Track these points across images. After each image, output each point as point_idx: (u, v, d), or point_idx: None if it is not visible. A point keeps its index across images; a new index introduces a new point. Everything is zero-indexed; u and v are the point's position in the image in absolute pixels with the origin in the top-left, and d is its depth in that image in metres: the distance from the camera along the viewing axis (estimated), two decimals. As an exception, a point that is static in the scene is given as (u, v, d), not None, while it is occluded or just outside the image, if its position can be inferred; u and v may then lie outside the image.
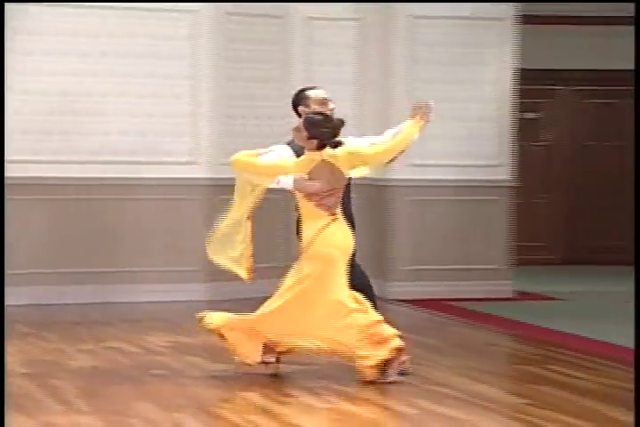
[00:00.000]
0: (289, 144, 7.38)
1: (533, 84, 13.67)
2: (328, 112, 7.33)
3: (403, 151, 7.28)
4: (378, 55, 11.45)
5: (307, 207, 7.16)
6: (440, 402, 6.76)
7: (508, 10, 11.40)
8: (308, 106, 7.44)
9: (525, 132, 13.49)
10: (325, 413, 6.55)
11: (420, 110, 7.18)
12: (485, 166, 11.44)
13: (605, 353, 8.40)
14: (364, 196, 11.31)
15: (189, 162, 11.00)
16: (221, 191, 10.82)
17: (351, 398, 6.81)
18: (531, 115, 14.20)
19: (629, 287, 12.59)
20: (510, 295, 11.36)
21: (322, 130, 7.06)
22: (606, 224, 14.74)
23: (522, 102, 12.63)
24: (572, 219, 14.68)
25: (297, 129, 7.16)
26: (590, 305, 11.31)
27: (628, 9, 14.19)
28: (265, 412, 6.43)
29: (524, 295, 11.49)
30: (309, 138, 7.07)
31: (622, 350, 8.54)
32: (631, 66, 14.45)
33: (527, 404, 6.79)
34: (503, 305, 10.90)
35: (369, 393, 6.96)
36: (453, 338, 9.32)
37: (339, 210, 7.20)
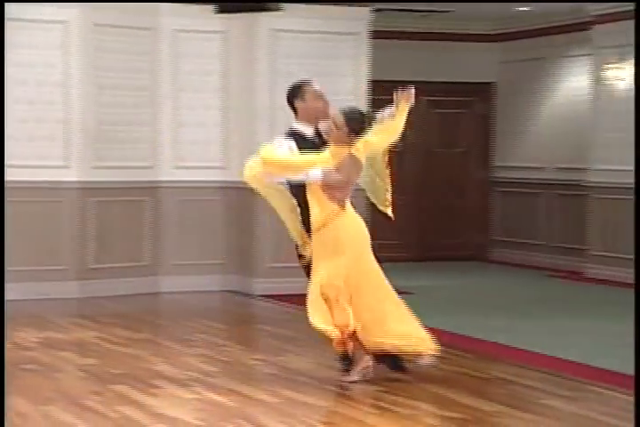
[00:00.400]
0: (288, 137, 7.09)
1: (386, 95, 13.72)
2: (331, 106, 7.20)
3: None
4: (242, 66, 11.37)
5: (317, 194, 6.86)
6: (299, 390, 6.74)
7: (362, 25, 11.40)
8: (304, 100, 7.18)
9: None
10: (192, 403, 6.47)
11: (404, 95, 7.05)
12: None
13: (451, 342, 8.46)
14: (228, 197, 11.35)
15: (62, 166, 10.78)
16: (91, 194, 10.74)
17: (216, 389, 6.77)
18: (385, 122, 14.21)
19: (475, 280, 12.84)
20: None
21: (362, 125, 6.87)
22: (453, 224, 14.91)
23: (375, 111, 12.69)
24: (423, 219, 14.79)
25: (336, 126, 6.80)
26: (439, 298, 11.39)
27: (474, 26, 14.42)
28: (133, 403, 6.33)
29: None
30: (350, 133, 6.80)
31: (467, 339, 8.63)
32: (476, 79, 14.75)
33: (380, 391, 6.82)
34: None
35: (233, 384, 6.92)
36: (310, 330, 9.27)
37: (348, 203, 7.01)
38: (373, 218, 11.79)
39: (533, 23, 14.03)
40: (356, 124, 6.81)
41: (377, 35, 12.00)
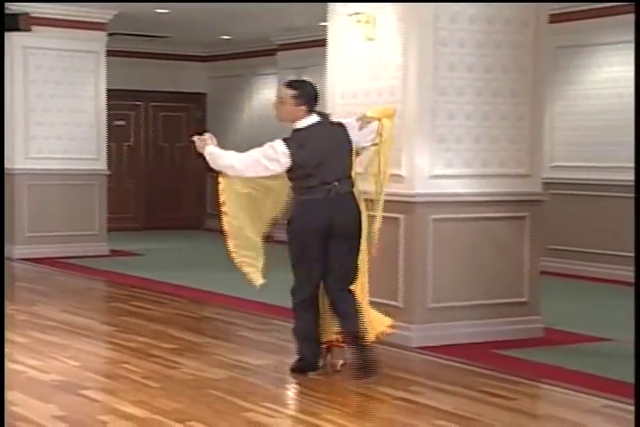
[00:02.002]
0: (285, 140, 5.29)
1: (122, 100, 13.56)
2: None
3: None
4: (9, 78, 10.76)
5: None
6: (46, 332, 6.48)
7: (100, 46, 11.12)
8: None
9: (116, 135, 13.40)
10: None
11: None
12: (87, 159, 11.14)
13: (171, 291, 8.39)
14: None
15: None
16: None
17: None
18: (120, 122, 14.06)
19: (193, 244, 12.78)
20: (107, 253, 11.10)
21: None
22: (176, 201, 14.86)
23: (114, 113, 12.50)
24: (150, 197, 14.66)
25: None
26: (164, 258, 11.25)
27: (190, 49, 14.31)
28: None
29: (116, 253, 11.26)
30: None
31: (184, 288, 8.57)
32: (192, 90, 14.69)
33: (115, 331, 6.66)
34: (101, 261, 10.61)
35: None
36: (59, 285, 9.00)
37: None
38: (112, 196, 11.66)
39: (234, 48, 14.10)
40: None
41: (114, 53, 11.83)
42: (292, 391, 5.21)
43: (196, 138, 5.45)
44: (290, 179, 5.27)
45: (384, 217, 5.54)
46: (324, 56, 6.95)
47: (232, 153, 5.42)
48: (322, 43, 7.16)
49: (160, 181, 14.71)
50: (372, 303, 5.62)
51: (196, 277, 9.19)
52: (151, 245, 12.34)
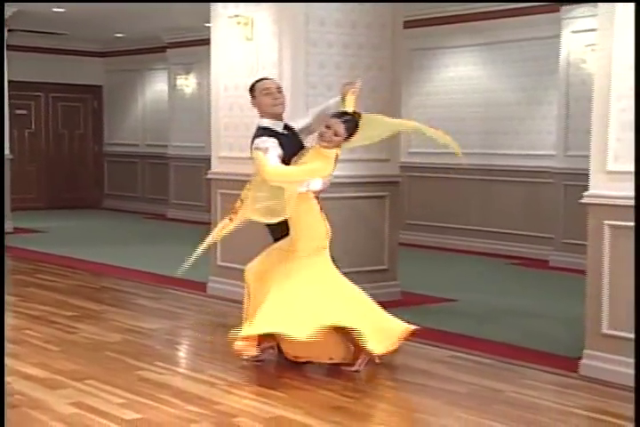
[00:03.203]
0: (261, 136, 4.74)
1: (23, 91, 13.14)
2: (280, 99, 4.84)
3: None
4: None
5: (310, 202, 4.75)
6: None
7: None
8: (254, 96, 4.87)
9: (18, 123, 12.99)
10: None
11: (351, 87, 4.83)
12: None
13: (70, 264, 8.19)
14: None
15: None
16: None
17: None
18: (22, 111, 13.61)
19: (92, 222, 12.51)
20: (11, 231, 10.72)
21: (357, 128, 4.69)
22: (76, 183, 14.48)
23: (16, 103, 12.11)
24: (51, 179, 14.26)
25: (336, 134, 4.58)
26: (64, 235, 10.96)
27: (88, 45, 13.92)
28: None
29: (20, 230, 10.90)
30: (348, 138, 4.67)
31: (83, 261, 8.38)
32: (90, 82, 14.31)
33: (19, 300, 6.47)
34: (6, 238, 10.16)
35: None
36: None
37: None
38: (14, 180, 11.27)
39: (128, 45, 13.80)
40: (354, 128, 4.68)
41: (16, 48, 11.45)
42: (181, 352, 5.19)
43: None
44: None
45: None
46: (209, 54, 6.89)
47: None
48: (207, 42, 7.09)
49: (60, 164, 14.33)
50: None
51: (96, 252, 9.02)
52: (53, 223, 12.02)
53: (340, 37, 6.31)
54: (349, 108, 4.73)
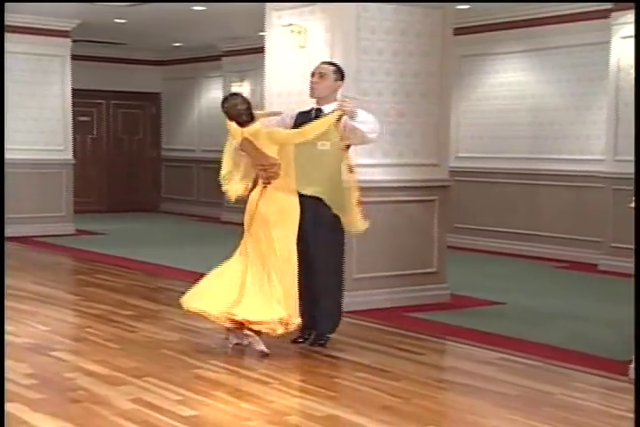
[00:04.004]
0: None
1: (86, 98, 13.37)
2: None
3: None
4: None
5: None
6: (19, 301, 6.38)
7: (65, 50, 10.96)
8: None
9: (81, 129, 13.22)
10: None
11: (342, 103, 4.83)
12: (55, 150, 10.98)
13: (128, 265, 8.31)
14: None
15: None
16: None
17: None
18: (85, 118, 13.86)
19: (150, 225, 12.67)
20: (73, 232, 10.96)
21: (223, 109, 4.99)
22: (135, 186, 14.65)
23: (79, 110, 12.33)
24: (111, 183, 14.48)
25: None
26: (125, 237, 11.12)
27: (146, 54, 14.13)
28: None
29: (81, 232, 11.12)
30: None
31: (141, 262, 8.49)
32: (148, 90, 14.52)
33: (79, 299, 6.60)
34: (68, 239, 10.48)
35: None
36: (31, 260, 8.87)
37: (277, 183, 4.86)
38: (78, 183, 11.49)
39: (185, 54, 13.96)
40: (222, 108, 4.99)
41: (80, 58, 11.66)
42: (234, 351, 5.23)
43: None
44: (339, 154, 4.85)
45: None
46: (263, 61, 6.94)
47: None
48: (261, 50, 7.14)
49: (120, 168, 14.56)
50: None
51: (152, 253, 9.13)
52: (112, 226, 12.20)
53: (390, 45, 6.31)
54: (328, 122, 4.78)
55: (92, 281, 7.46)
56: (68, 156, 11.12)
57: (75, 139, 11.61)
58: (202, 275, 7.59)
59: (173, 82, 14.55)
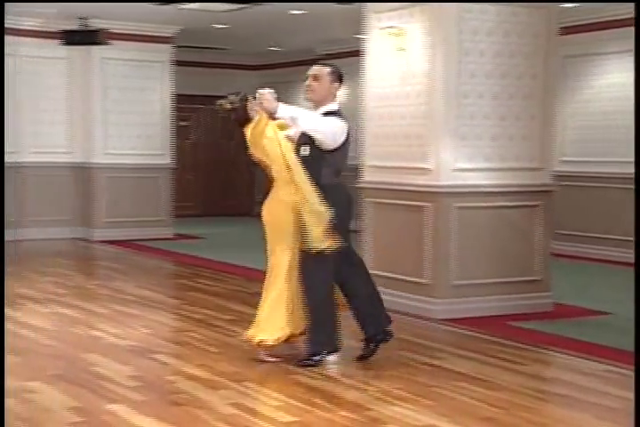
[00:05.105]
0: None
1: (185, 104, 13.68)
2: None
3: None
4: (82, 80, 10.95)
5: None
6: (124, 304, 6.61)
7: (166, 56, 11.29)
8: None
9: (180, 133, 13.54)
10: (47, 315, 6.21)
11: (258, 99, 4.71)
12: (154, 155, 11.29)
13: (227, 270, 8.49)
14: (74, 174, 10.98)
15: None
16: None
17: (65, 305, 6.52)
18: (184, 123, 14.19)
19: (245, 229, 12.89)
20: (172, 236, 11.25)
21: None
22: (230, 191, 14.94)
23: (178, 114, 12.64)
24: (209, 188, 14.80)
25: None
26: (221, 240, 11.37)
27: (244, 59, 14.39)
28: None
29: (180, 236, 11.41)
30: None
31: (240, 267, 8.66)
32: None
33: (182, 304, 6.78)
34: (168, 243, 10.77)
35: (78, 301, 6.71)
36: (134, 264, 9.14)
37: (278, 184, 4.79)
38: (175, 187, 11.78)
39: (281, 58, 14.13)
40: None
41: (179, 63, 11.93)
42: (332, 357, 5.27)
43: (265, 93, 4.58)
44: (321, 159, 4.66)
45: (411, 205, 5.59)
46: (359, 64, 6.99)
47: (313, 115, 4.72)
48: (357, 53, 7.19)
49: (216, 173, 14.86)
50: (400, 281, 5.61)
51: (248, 258, 9.26)
52: (209, 230, 12.47)
53: (491, 46, 6.26)
54: (261, 120, 4.63)
55: (192, 285, 7.65)
56: (167, 160, 11.42)
57: (174, 143, 11.88)
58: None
59: (270, 85, 14.71)
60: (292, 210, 4.69)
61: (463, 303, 6.20)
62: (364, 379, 4.53)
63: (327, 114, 4.76)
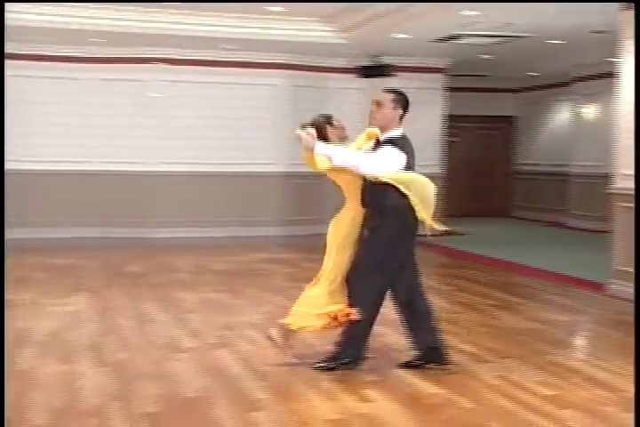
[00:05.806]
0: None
1: (456, 122, 13.56)
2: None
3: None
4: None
5: None
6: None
7: (439, 84, 11.24)
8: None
9: (451, 147, 13.49)
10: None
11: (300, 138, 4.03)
12: (429, 165, 11.28)
13: (485, 262, 8.27)
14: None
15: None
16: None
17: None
18: (454, 139, 14.11)
19: (502, 228, 12.52)
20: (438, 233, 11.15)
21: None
22: (490, 194, 14.57)
23: (450, 132, 12.61)
24: (471, 191, 14.37)
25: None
26: (481, 238, 11.07)
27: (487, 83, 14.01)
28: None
29: (448, 233, 11.27)
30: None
31: (496, 260, 8.41)
32: (503, 113, 14.40)
33: (453, 290, 6.70)
34: (437, 239, 10.63)
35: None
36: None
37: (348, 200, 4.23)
38: (447, 192, 11.67)
39: (537, 81, 13.56)
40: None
41: (452, 89, 11.80)
42: (585, 342, 4.98)
43: (303, 133, 4.00)
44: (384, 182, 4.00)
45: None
46: (610, 85, 6.50)
47: (355, 153, 4.14)
48: (607, 75, 6.70)
49: (479, 180, 14.61)
50: None
51: (506, 252, 9.04)
52: (472, 228, 12.19)
53: None
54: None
55: (459, 274, 7.57)
56: (440, 170, 11.45)
57: (445, 156, 11.82)
58: (550, 273, 7.41)
59: (526, 106, 14.25)
60: (355, 224, 4.15)
61: None
62: (617, 363, 4.21)
63: (387, 141, 4.10)
